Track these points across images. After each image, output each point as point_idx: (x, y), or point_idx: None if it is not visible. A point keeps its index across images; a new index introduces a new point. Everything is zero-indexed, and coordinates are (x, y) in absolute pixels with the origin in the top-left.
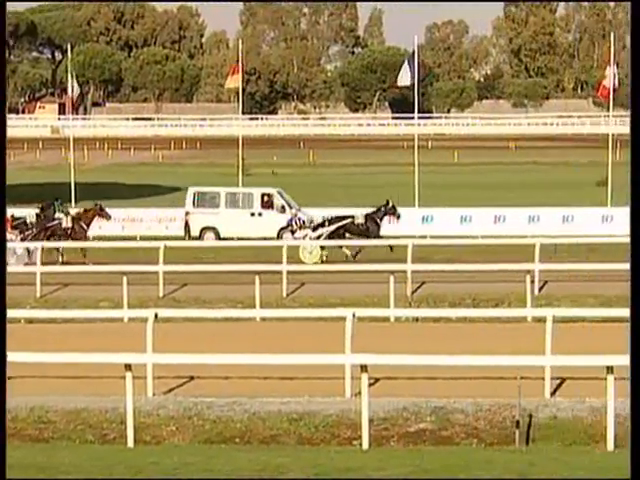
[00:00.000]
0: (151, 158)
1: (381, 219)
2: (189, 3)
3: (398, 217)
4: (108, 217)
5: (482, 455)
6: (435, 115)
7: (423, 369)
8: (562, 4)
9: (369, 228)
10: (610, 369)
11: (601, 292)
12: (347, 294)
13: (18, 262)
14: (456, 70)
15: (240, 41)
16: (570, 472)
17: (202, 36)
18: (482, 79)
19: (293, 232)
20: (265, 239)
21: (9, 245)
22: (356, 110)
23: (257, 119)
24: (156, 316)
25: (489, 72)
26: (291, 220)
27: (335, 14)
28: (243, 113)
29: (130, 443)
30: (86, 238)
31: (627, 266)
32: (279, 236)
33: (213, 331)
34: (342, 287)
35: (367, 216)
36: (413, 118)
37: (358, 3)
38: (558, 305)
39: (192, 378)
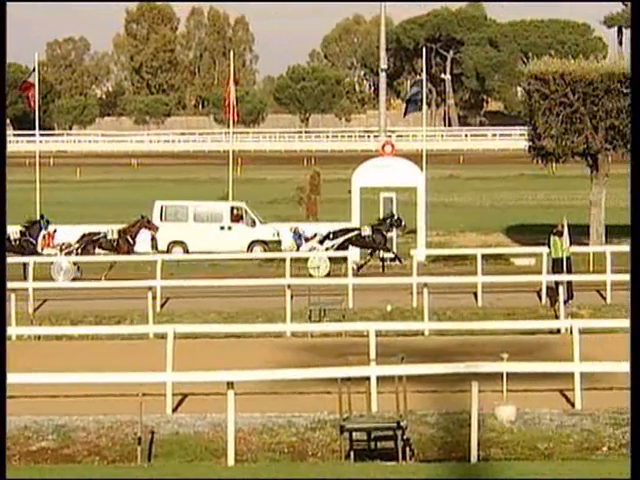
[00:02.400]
0: None
1: (387, 231)
2: None
3: (404, 228)
4: (156, 229)
5: (103, 472)
6: (57, 132)
7: (45, 387)
8: (183, 22)
9: (375, 240)
10: (230, 384)
11: (222, 308)
12: None
13: (66, 277)
14: (78, 87)
15: None
16: None
17: None
18: (104, 96)
19: (298, 246)
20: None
21: (55, 260)
22: None
23: None
24: None
25: (111, 89)
26: (299, 235)
27: None
28: None
29: None
30: (131, 251)
31: (253, 282)
32: (249, 249)
33: None
34: None
35: (373, 228)
36: (34, 135)
37: None
38: (180, 321)
39: None
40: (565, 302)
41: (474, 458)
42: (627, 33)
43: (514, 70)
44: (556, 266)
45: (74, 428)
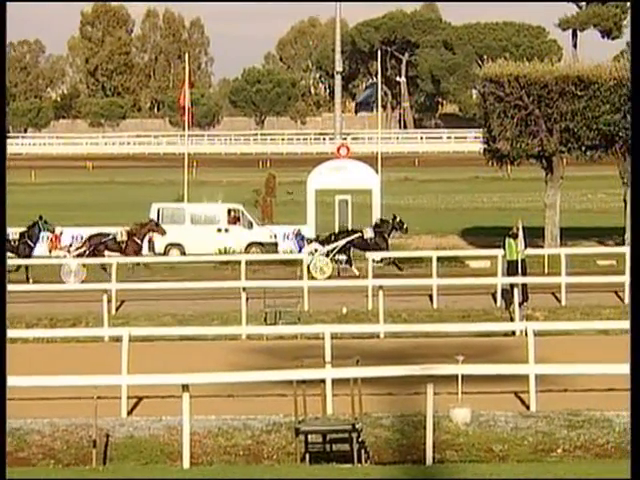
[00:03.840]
0: None
1: (389, 234)
2: None
3: (406, 231)
4: (163, 232)
5: (58, 475)
6: (12, 135)
7: None
8: (138, 24)
9: (377, 243)
10: (186, 387)
11: (178, 311)
12: None
13: (76, 279)
14: (33, 90)
15: None
16: None
17: None
18: (59, 99)
19: (300, 248)
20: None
21: (63, 262)
22: None
23: None
24: None
25: (66, 92)
26: (301, 237)
27: None
28: None
29: None
30: (140, 253)
31: (207, 284)
32: (247, 251)
33: None
34: None
35: (375, 231)
36: None
37: None
38: (135, 324)
39: None
40: (520, 304)
41: (429, 460)
42: (582, 36)
43: (469, 73)
44: (511, 268)
45: (29, 431)
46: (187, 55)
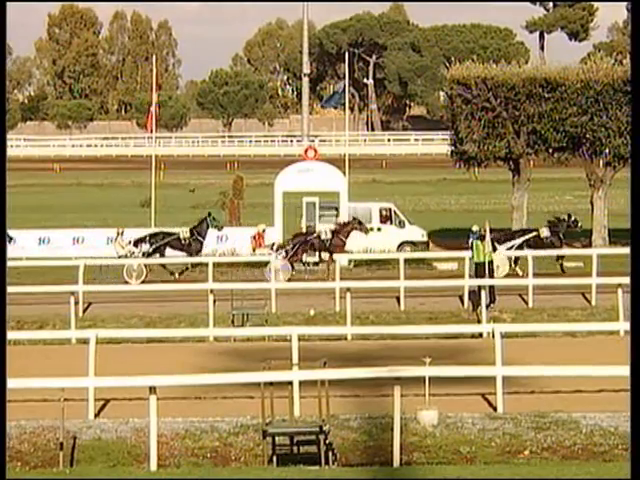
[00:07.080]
0: None
1: (564, 233)
2: None
3: (580, 229)
4: (366, 230)
5: (26, 477)
6: None
7: None
8: (106, 26)
9: (553, 242)
10: (153, 389)
11: (146, 313)
12: None
13: (282, 276)
14: None
15: None
16: None
17: None
18: (26, 101)
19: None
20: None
21: (270, 259)
22: None
23: None
24: None
25: (33, 93)
26: (477, 235)
27: None
28: None
29: None
30: (343, 251)
31: (174, 286)
32: (399, 250)
33: None
34: None
35: (551, 230)
36: None
37: None
38: (103, 326)
39: None
40: (487, 306)
41: (396, 462)
42: (549, 38)
43: (436, 75)
44: (478, 270)
45: None
46: (154, 57)
